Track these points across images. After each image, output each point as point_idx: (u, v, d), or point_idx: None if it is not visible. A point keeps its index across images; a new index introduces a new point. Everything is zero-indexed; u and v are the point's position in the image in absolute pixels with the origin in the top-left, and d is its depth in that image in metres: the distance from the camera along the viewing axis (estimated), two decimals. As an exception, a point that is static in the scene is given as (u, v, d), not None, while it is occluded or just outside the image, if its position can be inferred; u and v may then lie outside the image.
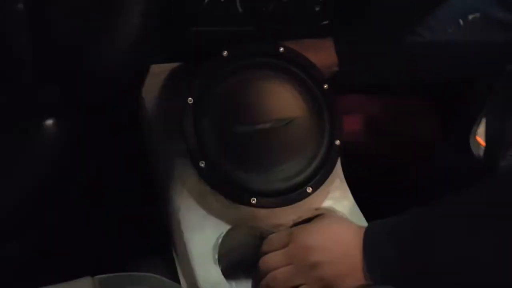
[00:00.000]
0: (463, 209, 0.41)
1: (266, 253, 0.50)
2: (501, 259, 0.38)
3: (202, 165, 0.49)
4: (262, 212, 0.52)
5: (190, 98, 0.50)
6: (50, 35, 0.27)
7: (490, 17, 0.52)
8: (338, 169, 0.57)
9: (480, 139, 0.88)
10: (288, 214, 0.53)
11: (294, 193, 0.52)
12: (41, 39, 0.27)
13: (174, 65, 0.58)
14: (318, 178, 0.53)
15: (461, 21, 0.53)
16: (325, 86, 0.55)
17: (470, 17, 0.53)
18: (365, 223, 0.53)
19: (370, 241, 0.46)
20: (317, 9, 0.53)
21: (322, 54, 0.57)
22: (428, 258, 0.42)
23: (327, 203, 0.56)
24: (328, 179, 0.54)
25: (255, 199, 0.50)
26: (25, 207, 0.21)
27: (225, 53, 0.51)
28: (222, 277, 0.48)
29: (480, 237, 0.39)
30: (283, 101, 0.54)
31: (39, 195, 0.22)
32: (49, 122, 0.22)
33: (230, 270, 0.52)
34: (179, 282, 0.50)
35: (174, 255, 0.52)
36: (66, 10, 0.28)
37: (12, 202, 0.21)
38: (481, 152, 0.81)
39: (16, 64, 0.26)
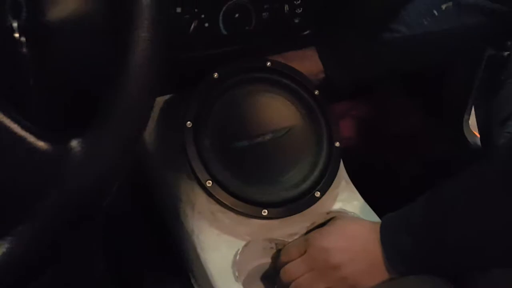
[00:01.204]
0: (471, 184, 0.42)
1: (285, 263, 0.50)
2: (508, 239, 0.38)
3: (209, 184, 0.49)
4: (275, 223, 0.52)
5: (189, 122, 0.51)
6: (57, 76, 0.29)
7: (462, 3, 0.55)
8: (342, 170, 0.58)
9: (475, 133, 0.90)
10: (300, 222, 0.54)
11: (303, 200, 0.53)
12: (45, 84, 0.28)
13: (166, 97, 0.59)
14: (324, 181, 0.54)
15: (435, 12, 0.55)
16: (316, 92, 0.57)
17: (443, 6, 0.55)
18: (377, 219, 0.54)
19: (386, 233, 0.46)
20: (296, 21, 0.55)
21: (308, 63, 0.59)
22: (444, 240, 0.42)
23: (337, 206, 0.56)
24: (334, 182, 0.55)
25: (266, 211, 0.51)
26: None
27: (215, 74, 0.53)
28: (245, 293, 0.48)
29: (493, 208, 0.39)
30: (278, 112, 0.55)
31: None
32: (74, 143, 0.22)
33: (251, 286, 0.51)
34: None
35: (191, 276, 0.52)
36: (70, 55, 0.30)
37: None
38: (477, 140, 0.82)
39: (24, 96, 0.27)
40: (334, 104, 0.85)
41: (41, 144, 0.21)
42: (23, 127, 0.21)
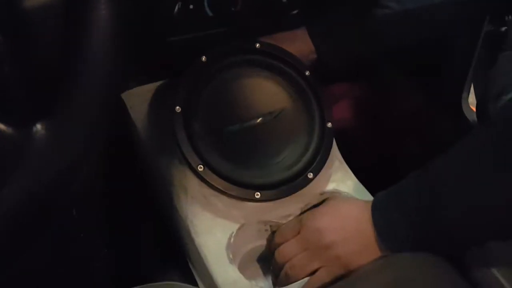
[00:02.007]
0: (461, 159, 0.41)
1: (279, 244, 0.50)
2: (505, 201, 0.38)
3: (201, 169, 0.49)
4: (269, 205, 0.52)
5: (177, 107, 0.50)
6: (31, 63, 0.28)
7: None
8: (336, 151, 0.58)
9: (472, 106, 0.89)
10: (294, 204, 0.54)
11: (296, 181, 0.53)
12: (19, 65, 0.28)
13: (157, 83, 0.59)
14: (317, 162, 0.54)
15: (425, -15, 0.54)
16: (307, 73, 0.56)
17: (434, -21, 0.54)
18: (371, 199, 0.53)
19: (377, 212, 0.46)
20: (284, 0, 0.54)
21: (298, 44, 0.58)
22: (435, 216, 0.42)
23: (330, 186, 0.56)
24: (327, 162, 0.55)
25: (259, 193, 0.51)
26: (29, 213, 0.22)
27: (203, 58, 0.52)
28: (240, 275, 0.48)
29: (483, 181, 0.39)
30: (269, 94, 0.55)
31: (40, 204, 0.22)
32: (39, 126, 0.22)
33: (247, 269, 0.51)
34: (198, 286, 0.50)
35: (188, 261, 0.52)
36: (41, 40, 0.29)
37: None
38: (475, 117, 0.81)
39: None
40: (330, 85, 0.85)
41: (3, 127, 0.21)
42: None
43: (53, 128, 0.22)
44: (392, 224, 0.45)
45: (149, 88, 0.58)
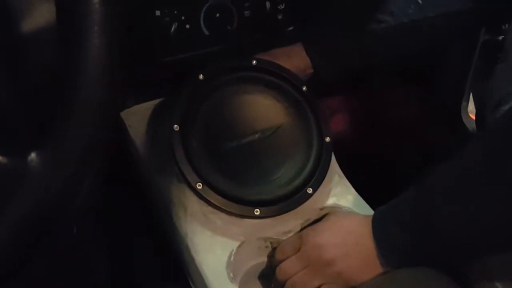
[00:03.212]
0: (456, 173, 0.41)
1: (280, 261, 0.50)
2: (499, 214, 0.37)
3: (200, 186, 0.49)
4: (268, 222, 0.52)
5: (175, 125, 0.51)
6: (25, 88, 0.28)
7: None
8: (335, 165, 0.58)
9: (472, 116, 0.89)
10: (294, 219, 0.53)
11: (295, 197, 0.52)
12: (15, 91, 0.28)
13: (155, 101, 0.59)
14: (316, 177, 0.54)
15: (419, 0, 0.55)
16: (304, 88, 0.56)
17: (428, -7, 0.55)
18: (371, 213, 0.53)
19: (377, 227, 0.46)
20: (279, 17, 0.54)
21: (295, 59, 0.59)
22: (433, 230, 0.41)
23: (330, 201, 0.56)
24: (327, 177, 0.55)
25: (258, 210, 0.50)
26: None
27: (200, 76, 0.52)
28: (241, 293, 0.47)
29: (478, 194, 0.39)
30: (266, 110, 0.55)
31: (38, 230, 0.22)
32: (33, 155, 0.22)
33: (248, 286, 0.51)
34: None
35: (189, 278, 0.52)
36: (36, 65, 0.29)
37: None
38: (475, 126, 0.81)
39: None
40: (327, 99, 0.85)
41: (0, 158, 0.21)
42: None
43: (48, 157, 0.22)
44: (392, 239, 0.44)
45: (147, 106, 0.59)
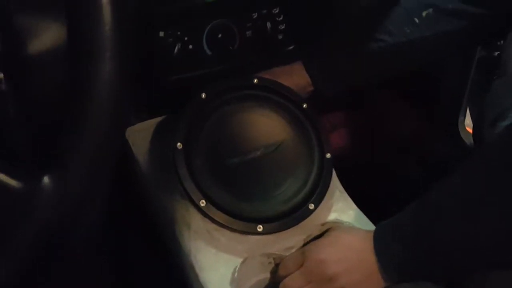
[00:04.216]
0: (454, 190, 0.42)
1: (283, 277, 0.50)
2: (499, 230, 0.38)
3: (203, 204, 0.50)
4: (271, 238, 0.52)
5: (179, 144, 0.51)
6: (33, 110, 0.29)
7: (442, 10, 0.55)
8: (336, 181, 0.59)
9: (469, 130, 0.90)
10: (297, 235, 0.54)
11: (297, 213, 0.53)
12: (25, 114, 0.29)
13: (158, 119, 0.60)
14: (317, 193, 0.54)
15: (416, 20, 0.56)
16: (305, 106, 0.57)
17: (424, 13, 0.56)
18: (373, 227, 0.54)
19: (378, 242, 0.46)
20: (280, 37, 0.56)
21: (295, 77, 0.60)
22: (433, 246, 0.42)
23: (332, 216, 0.56)
24: (328, 193, 0.56)
25: (261, 226, 0.51)
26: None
27: (203, 94, 0.54)
28: (245, 310, 0.48)
29: (476, 211, 0.40)
30: (268, 127, 0.56)
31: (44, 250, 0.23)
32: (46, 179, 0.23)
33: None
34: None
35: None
36: (45, 86, 0.30)
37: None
38: (472, 140, 0.83)
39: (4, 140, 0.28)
40: (327, 114, 0.86)
41: (14, 182, 0.22)
42: None
43: (60, 181, 0.23)
44: (393, 254, 0.45)
45: (150, 124, 0.60)
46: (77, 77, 0.24)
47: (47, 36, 0.33)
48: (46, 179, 0.23)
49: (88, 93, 0.24)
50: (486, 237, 0.39)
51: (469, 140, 0.87)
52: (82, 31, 0.24)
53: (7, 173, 0.22)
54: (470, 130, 0.88)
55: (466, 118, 0.91)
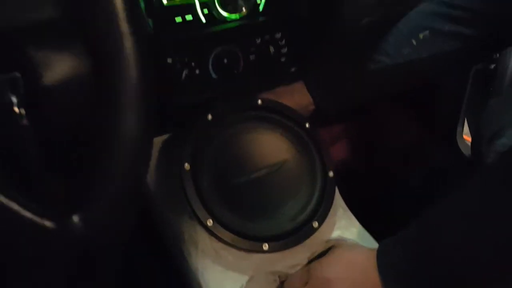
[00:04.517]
0: (454, 212, 0.44)
1: (289, 294, 0.51)
2: (498, 252, 0.40)
3: (210, 223, 0.51)
4: (276, 256, 0.54)
5: (186, 164, 0.53)
6: (55, 145, 0.31)
7: (439, 31, 0.57)
8: (338, 199, 0.60)
9: (467, 138, 0.92)
10: (301, 253, 0.55)
11: (302, 231, 0.54)
12: (46, 149, 0.30)
13: (164, 137, 0.62)
14: (321, 211, 0.56)
15: (413, 41, 0.58)
16: (307, 125, 0.59)
17: (421, 35, 0.58)
18: (375, 245, 0.55)
19: (382, 260, 0.48)
20: (282, 60, 0.57)
21: (297, 97, 0.62)
22: (436, 264, 0.43)
23: (335, 234, 0.58)
24: (331, 210, 0.57)
25: (267, 245, 0.52)
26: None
27: (209, 116, 0.55)
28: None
29: (477, 236, 0.41)
30: (272, 147, 0.58)
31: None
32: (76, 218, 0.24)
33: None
34: None
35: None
36: (66, 124, 0.31)
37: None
38: (470, 151, 0.84)
39: (24, 173, 0.29)
40: (329, 127, 0.88)
41: (46, 223, 0.23)
42: (29, 209, 0.23)
43: (90, 219, 0.24)
44: (396, 272, 0.46)
45: (156, 142, 0.61)
46: (105, 123, 0.26)
47: (66, 69, 0.34)
48: (75, 218, 0.24)
49: (116, 138, 0.25)
50: (488, 257, 0.40)
51: (466, 151, 0.89)
52: (107, 81, 0.26)
53: (40, 215, 0.23)
54: (468, 139, 0.90)
55: (464, 127, 0.93)
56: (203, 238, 0.53)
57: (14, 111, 0.31)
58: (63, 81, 0.34)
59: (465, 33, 0.56)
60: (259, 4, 0.51)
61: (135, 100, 0.26)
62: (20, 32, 0.25)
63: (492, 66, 0.89)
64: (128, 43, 0.25)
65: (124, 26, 0.25)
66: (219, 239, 0.52)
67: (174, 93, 0.53)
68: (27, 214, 0.23)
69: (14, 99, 0.31)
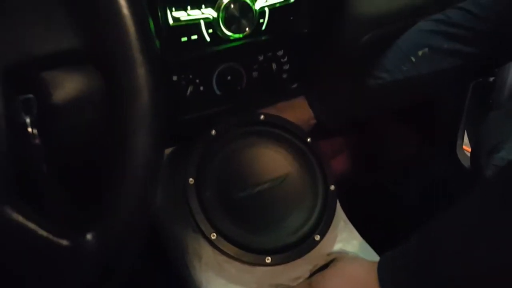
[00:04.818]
0: (453, 226, 0.45)
1: (291, 307, 0.52)
2: (496, 267, 0.41)
3: (214, 237, 0.52)
4: (279, 268, 0.55)
5: (190, 179, 0.54)
6: (67, 164, 0.32)
7: (437, 49, 0.58)
8: (340, 212, 0.61)
9: (467, 149, 0.93)
10: (303, 265, 0.56)
11: (304, 244, 0.55)
12: (59, 168, 0.31)
13: (168, 150, 0.63)
14: (323, 224, 0.57)
15: (413, 58, 0.59)
16: (309, 140, 0.60)
17: (420, 52, 0.59)
18: (376, 257, 0.56)
19: (383, 273, 0.48)
20: (284, 76, 0.59)
21: (298, 112, 0.63)
22: (436, 278, 0.44)
23: (337, 247, 0.59)
24: (333, 223, 0.58)
25: (270, 258, 0.53)
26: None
27: (213, 131, 0.56)
28: None
29: (476, 249, 0.42)
30: (274, 161, 0.59)
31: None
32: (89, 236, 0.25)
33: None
34: None
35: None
36: (79, 144, 0.33)
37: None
38: (470, 163, 0.85)
39: (39, 191, 0.30)
40: (328, 140, 0.89)
41: (60, 241, 0.25)
42: (44, 227, 0.24)
43: (103, 237, 0.26)
44: (397, 285, 0.47)
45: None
46: (117, 144, 0.27)
47: (78, 91, 0.36)
48: (89, 236, 0.25)
49: (128, 158, 0.26)
50: (486, 269, 0.41)
51: (466, 163, 0.90)
52: (122, 107, 0.27)
53: (55, 234, 0.25)
54: (469, 149, 0.91)
55: (464, 139, 0.94)
56: (207, 251, 0.54)
57: (27, 131, 0.32)
58: (75, 102, 0.36)
59: (464, 51, 0.57)
60: (262, 23, 0.52)
61: (147, 121, 0.27)
62: (38, 61, 0.26)
63: (491, 79, 0.90)
64: (141, 70, 0.26)
65: (138, 56, 0.26)
66: (223, 252, 0.53)
67: (179, 109, 0.54)
68: (43, 232, 0.24)
69: (28, 119, 0.33)
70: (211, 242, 0.53)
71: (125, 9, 0.26)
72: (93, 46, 0.27)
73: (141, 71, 0.27)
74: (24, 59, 0.26)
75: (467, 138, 0.94)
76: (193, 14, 0.48)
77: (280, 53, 0.57)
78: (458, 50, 0.57)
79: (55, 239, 0.24)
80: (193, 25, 0.49)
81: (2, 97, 0.27)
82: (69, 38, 0.26)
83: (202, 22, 0.49)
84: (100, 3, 0.26)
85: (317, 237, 0.56)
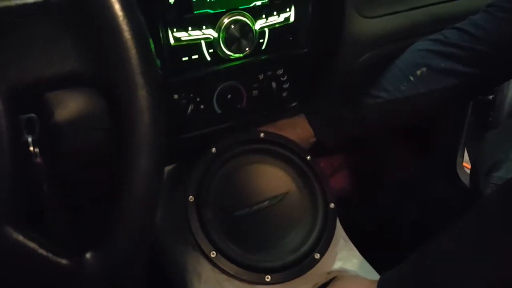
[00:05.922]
0: (449, 247, 0.45)
1: (291, 327, 0.52)
2: (496, 285, 0.40)
3: (213, 255, 0.52)
4: (279, 287, 0.54)
5: (191, 197, 0.54)
6: (68, 183, 0.32)
7: (435, 68, 0.59)
8: (340, 230, 0.61)
9: (467, 166, 0.94)
10: (303, 284, 0.56)
11: (303, 263, 0.55)
12: (60, 187, 0.32)
13: (169, 167, 0.63)
14: (323, 243, 0.57)
15: (411, 77, 0.60)
16: (308, 158, 0.61)
17: (418, 72, 0.60)
18: (376, 276, 0.56)
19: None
20: (284, 95, 0.60)
21: (298, 130, 0.64)
22: None
23: (337, 265, 0.58)
24: (333, 242, 0.58)
25: (269, 276, 0.53)
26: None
27: (213, 149, 0.57)
28: None
29: (474, 269, 0.42)
30: (274, 179, 0.59)
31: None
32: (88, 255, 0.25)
33: None
34: None
35: None
36: (79, 163, 0.33)
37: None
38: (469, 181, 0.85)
39: (40, 210, 0.31)
40: (328, 157, 0.89)
41: (60, 260, 0.25)
42: (43, 246, 0.25)
43: (103, 257, 0.26)
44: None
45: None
46: (118, 165, 0.27)
47: (79, 111, 0.36)
48: (88, 256, 0.26)
49: (129, 179, 0.27)
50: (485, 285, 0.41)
51: (466, 181, 0.90)
52: (124, 127, 0.28)
53: (55, 253, 0.25)
54: (469, 166, 0.91)
55: (464, 157, 0.94)
56: (207, 270, 0.54)
57: (29, 150, 0.33)
58: (77, 122, 0.36)
59: (461, 71, 0.58)
60: (262, 43, 0.53)
61: (149, 143, 0.28)
62: (41, 82, 0.27)
63: (491, 97, 0.91)
64: (142, 92, 0.27)
65: (140, 79, 0.27)
66: (222, 271, 0.53)
67: (180, 127, 0.55)
68: (42, 251, 0.24)
69: (29, 138, 0.33)
70: (210, 261, 0.53)
71: (126, 33, 0.27)
72: (95, 69, 0.28)
73: (142, 93, 0.27)
74: (27, 80, 0.26)
75: (467, 156, 0.94)
76: (194, 34, 0.49)
77: (280, 72, 0.58)
78: (456, 69, 0.58)
79: (55, 258, 0.24)
80: (194, 45, 0.50)
81: (5, 116, 0.27)
82: (71, 61, 0.27)
83: (203, 42, 0.50)
84: (102, 27, 0.27)
85: (317, 256, 0.56)
